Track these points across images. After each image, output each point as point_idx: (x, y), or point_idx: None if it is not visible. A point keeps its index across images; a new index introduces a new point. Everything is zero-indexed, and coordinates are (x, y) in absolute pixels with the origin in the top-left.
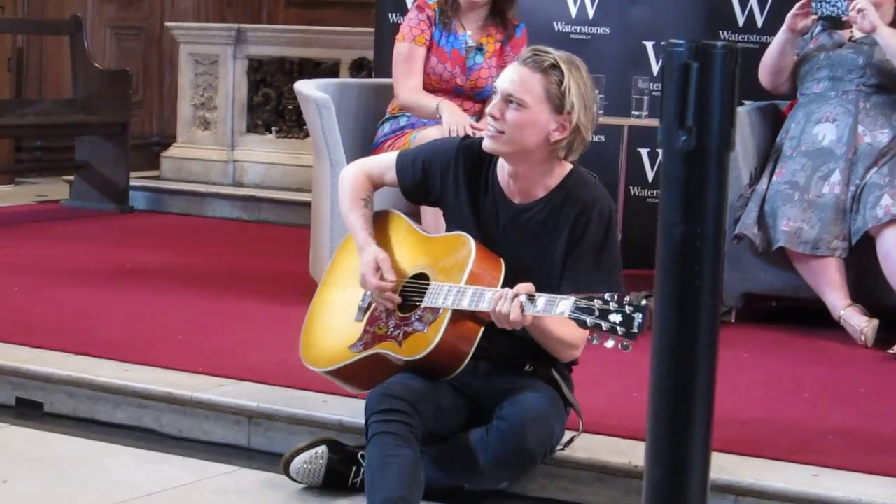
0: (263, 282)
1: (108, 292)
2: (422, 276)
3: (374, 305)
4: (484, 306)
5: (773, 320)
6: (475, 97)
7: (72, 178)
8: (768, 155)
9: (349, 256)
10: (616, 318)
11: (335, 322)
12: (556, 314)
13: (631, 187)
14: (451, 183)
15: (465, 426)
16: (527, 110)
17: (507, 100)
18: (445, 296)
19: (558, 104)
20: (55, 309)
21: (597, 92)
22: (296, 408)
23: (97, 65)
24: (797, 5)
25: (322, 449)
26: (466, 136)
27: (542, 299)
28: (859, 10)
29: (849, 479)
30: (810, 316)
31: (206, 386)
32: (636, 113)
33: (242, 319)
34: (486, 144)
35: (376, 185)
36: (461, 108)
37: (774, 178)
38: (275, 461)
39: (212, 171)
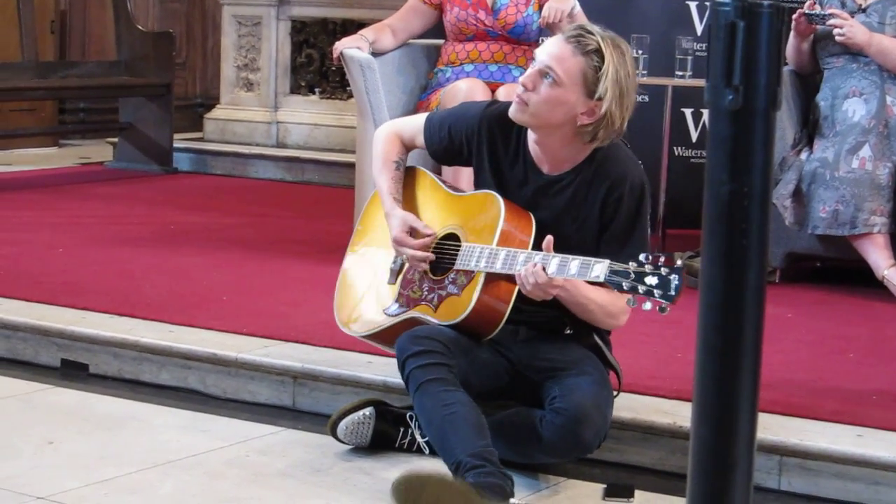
0: (307, 243)
1: (153, 254)
2: (451, 236)
3: (405, 267)
4: (517, 269)
5: (816, 280)
6: (510, 37)
7: (115, 139)
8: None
9: (377, 217)
10: (652, 280)
11: (368, 285)
12: (591, 278)
13: (675, 147)
14: (475, 149)
15: (509, 388)
16: (559, 88)
17: (543, 73)
18: (478, 258)
19: (592, 89)
20: (99, 270)
21: (637, 78)
22: (340, 368)
23: (140, 26)
24: (794, 16)
25: (369, 410)
26: (493, 102)
27: (575, 262)
28: (840, 34)
29: (894, 440)
30: (854, 276)
31: (250, 347)
32: (680, 73)
33: (286, 280)
34: (512, 112)
35: (408, 147)
36: (499, 51)
37: (811, 153)
38: (319, 422)
39: (255, 132)
